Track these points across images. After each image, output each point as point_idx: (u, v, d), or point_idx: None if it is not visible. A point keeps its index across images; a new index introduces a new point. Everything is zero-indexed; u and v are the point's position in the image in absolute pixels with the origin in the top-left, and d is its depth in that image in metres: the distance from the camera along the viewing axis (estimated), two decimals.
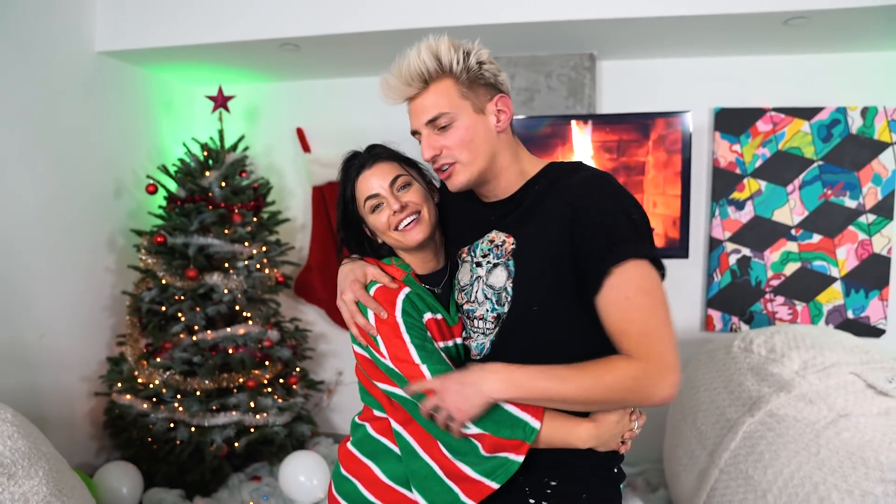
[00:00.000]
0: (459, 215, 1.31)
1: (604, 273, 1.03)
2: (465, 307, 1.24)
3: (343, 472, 1.32)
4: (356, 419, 1.36)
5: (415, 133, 1.20)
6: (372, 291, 1.22)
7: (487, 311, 1.20)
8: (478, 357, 1.22)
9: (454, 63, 1.13)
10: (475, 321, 1.22)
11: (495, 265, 1.19)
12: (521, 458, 1.11)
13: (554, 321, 1.12)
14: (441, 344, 1.22)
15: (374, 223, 1.25)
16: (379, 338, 1.19)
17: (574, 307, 1.09)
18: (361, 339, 1.22)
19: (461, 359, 1.26)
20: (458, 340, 1.26)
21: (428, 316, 1.23)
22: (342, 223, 1.30)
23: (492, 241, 1.21)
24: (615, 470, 1.19)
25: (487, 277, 1.20)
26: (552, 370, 1.06)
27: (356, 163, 1.27)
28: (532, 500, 1.17)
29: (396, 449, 1.25)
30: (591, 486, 1.16)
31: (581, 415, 1.12)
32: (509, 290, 1.16)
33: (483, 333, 1.21)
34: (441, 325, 1.24)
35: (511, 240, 1.19)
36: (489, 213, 1.24)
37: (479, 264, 1.23)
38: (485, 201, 1.26)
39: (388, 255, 1.32)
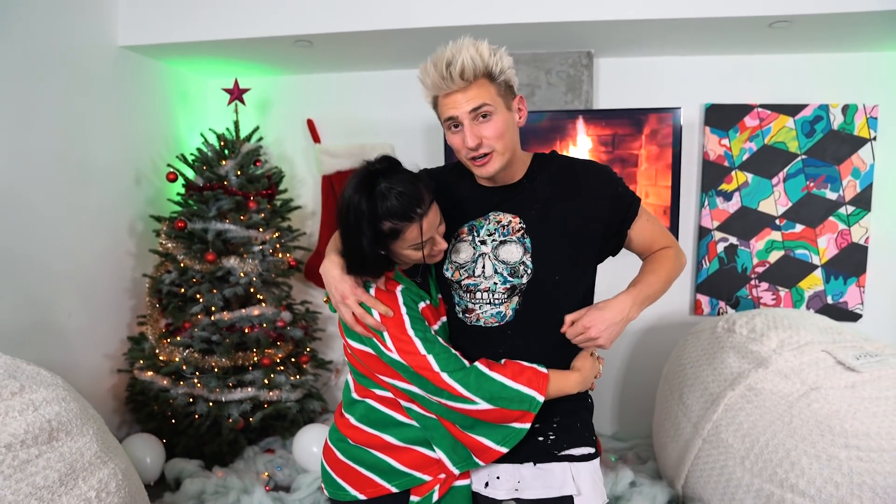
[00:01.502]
0: (448, 199, 1.46)
1: (636, 212, 1.45)
2: (466, 282, 1.40)
3: (353, 443, 1.44)
4: (354, 395, 1.47)
5: (449, 119, 1.31)
6: (372, 292, 1.35)
7: (497, 283, 1.38)
8: (496, 324, 1.39)
9: (494, 66, 1.29)
10: (479, 293, 1.39)
11: (503, 242, 1.39)
12: (527, 426, 1.32)
13: (572, 285, 1.41)
14: (435, 326, 1.39)
15: (410, 256, 1.32)
16: (386, 334, 1.32)
17: (585, 273, 1.43)
18: (368, 335, 1.33)
19: (446, 334, 1.43)
20: (444, 319, 1.44)
21: (422, 304, 1.38)
22: (370, 253, 1.28)
23: (499, 222, 1.41)
24: (589, 400, 1.50)
25: (497, 253, 1.39)
26: (648, 277, 1.41)
27: (413, 208, 1.25)
28: (540, 438, 1.40)
29: (405, 419, 1.40)
30: (581, 416, 1.45)
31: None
32: (528, 263, 1.37)
33: (491, 303, 1.38)
34: (431, 309, 1.41)
35: (518, 220, 1.40)
36: (491, 196, 1.43)
37: (483, 242, 1.40)
38: (486, 185, 1.44)
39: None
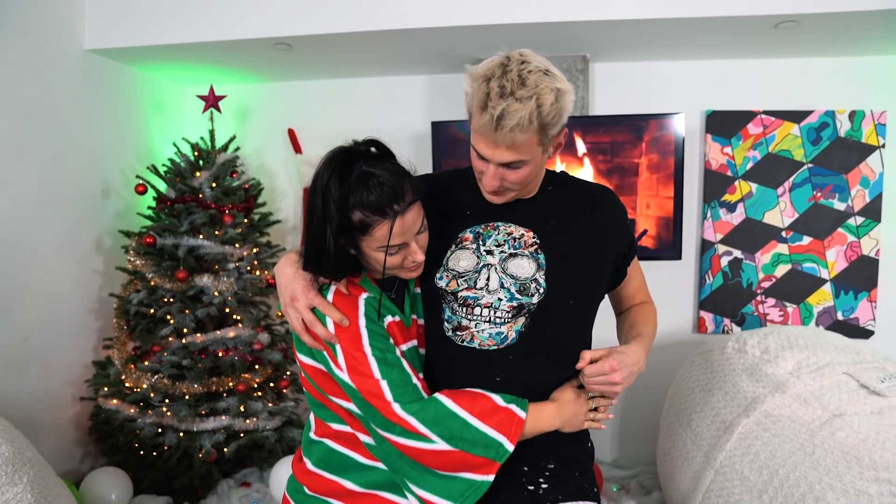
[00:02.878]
0: (449, 203, 1.31)
1: (635, 251, 1.39)
2: (464, 294, 1.21)
3: (310, 493, 1.25)
4: (311, 435, 1.27)
5: (476, 149, 1.16)
6: (330, 296, 1.15)
7: (501, 299, 1.19)
8: (494, 347, 1.19)
9: (550, 119, 1.09)
10: (478, 308, 1.20)
11: (513, 255, 1.22)
12: (490, 478, 1.11)
13: (584, 313, 1.27)
14: (403, 346, 1.19)
15: (379, 259, 1.13)
16: (339, 348, 1.11)
17: (595, 302, 1.30)
18: (319, 347, 1.14)
19: (416, 361, 1.23)
20: (414, 343, 1.24)
21: (389, 319, 1.18)
22: (333, 244, 1.09)
23: (510, 234, 1.24)
24: (590, 444, 1.32)
25: (505, 266, 1.21)
26: (645, 330, 1.33)
27: (390, 202, 1.08)
28: (530, 487, 1.19)
29: (367, 461, 1.21)
30: (580, 463, 1.25)
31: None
32: (541, 281, 1.19)
33: (491, 322, 1.19)
34: (401, 327, 1.21)
35: (531, 234, 1.23)
36: (498, 203, 1.27)
37: (489, 252, 1.22)
38: None
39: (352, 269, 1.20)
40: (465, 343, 1.20)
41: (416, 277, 1.28)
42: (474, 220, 1.27)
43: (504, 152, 1.11)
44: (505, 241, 1.23)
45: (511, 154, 1.11)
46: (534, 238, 1.23)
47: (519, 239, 1.23)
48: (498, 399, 1.14)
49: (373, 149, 1.15)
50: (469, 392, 1.15)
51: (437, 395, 1.13)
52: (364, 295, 1.16)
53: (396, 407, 1.09)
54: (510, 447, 1.10)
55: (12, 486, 1.42)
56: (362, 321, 1.12)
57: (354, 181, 1.08)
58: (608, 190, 1.36)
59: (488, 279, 1.20)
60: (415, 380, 1.14)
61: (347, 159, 1.10)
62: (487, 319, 1.19)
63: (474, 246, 1.24)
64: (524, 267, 1.21)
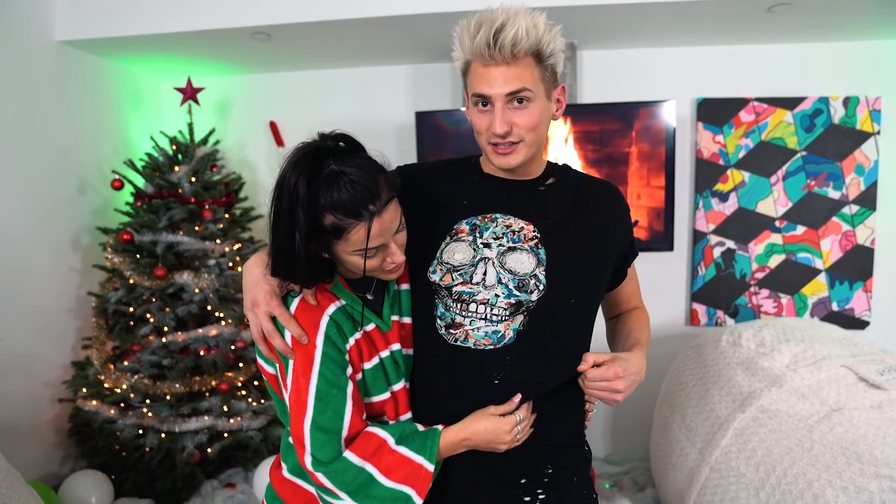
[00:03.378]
0: (441, 190, 1.23)
1: (636, 253, 1.34)
2: (459, 289, 1.13)
3: (283, 502, 1.19)
4: (289, 440, 1.19)
5: (478, 96, 1.10)
6: (293, 307, 1.06)
7: (499, 295, 1.12)
8: (490, 346, 1.11)
9: (546, 45, 1.08)
10: (473, 304, 1.12)
11: (512, 249, 1.14)
12: None
13: (584, 314, 1.20)
14: (375, 359, 1.11)
15: (356, 263, 1.04)
16: (291, 365, 1.04)
17: (595, 302, 1.24)
18: (273, 358, 1.07)
19: (398, 364, 1.15)
20: (396, 346, 1.15)
21: (357, 336, 1.09)
22: (303, 251, 0.99)
23: (508, 226, 1.17)
24: (586, 448, 1.25)
25: (503, 261, 1.14)
26: (641, 337, 1.26)
27: (365, 203, 0.99)
28: (527, 497, 1.13)
29: None
30: (577, 468, 1.20)
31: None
32: (541, 277, 1.13)
33: (487, 319, 1.11)
34: (373, 337, 1.12)
35: (531, 227, 1.16)
36: (499, 191, 1.21)
37: (487, 245, 1.15)
38: (495, 177, 1.22)
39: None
40: (458, 342, 1.12)
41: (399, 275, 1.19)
42: (471, 211, 1.19)
43: (505, 79, 1.06)
44: (503, 233, 1.16)
45: (513, 80, 1.06)
46: (534, 232, 1.16)
47: (518, 232, 1.16)
48: (408, 453, 1.06)
49: (341, 143, 1.06)
50: (375, 442, 1.06)
51: (346, 454, 1.05)
52: (331, 309, 1.07)
53: (308, 460, 1.04)
54: (419, 500, 1.05)
55: None
56: (320, 341, 1.04)
57: (324, 181, 0.99)
58: (613, 186, 1.30)
59: (485, 274, 1.13)
60: (345, 429, 1.05)
61: (315, 157, 1.01)
62: (484, 317, 1.11)
63: (470, 238, 1.16)
64: (524, 262, 1.13)
